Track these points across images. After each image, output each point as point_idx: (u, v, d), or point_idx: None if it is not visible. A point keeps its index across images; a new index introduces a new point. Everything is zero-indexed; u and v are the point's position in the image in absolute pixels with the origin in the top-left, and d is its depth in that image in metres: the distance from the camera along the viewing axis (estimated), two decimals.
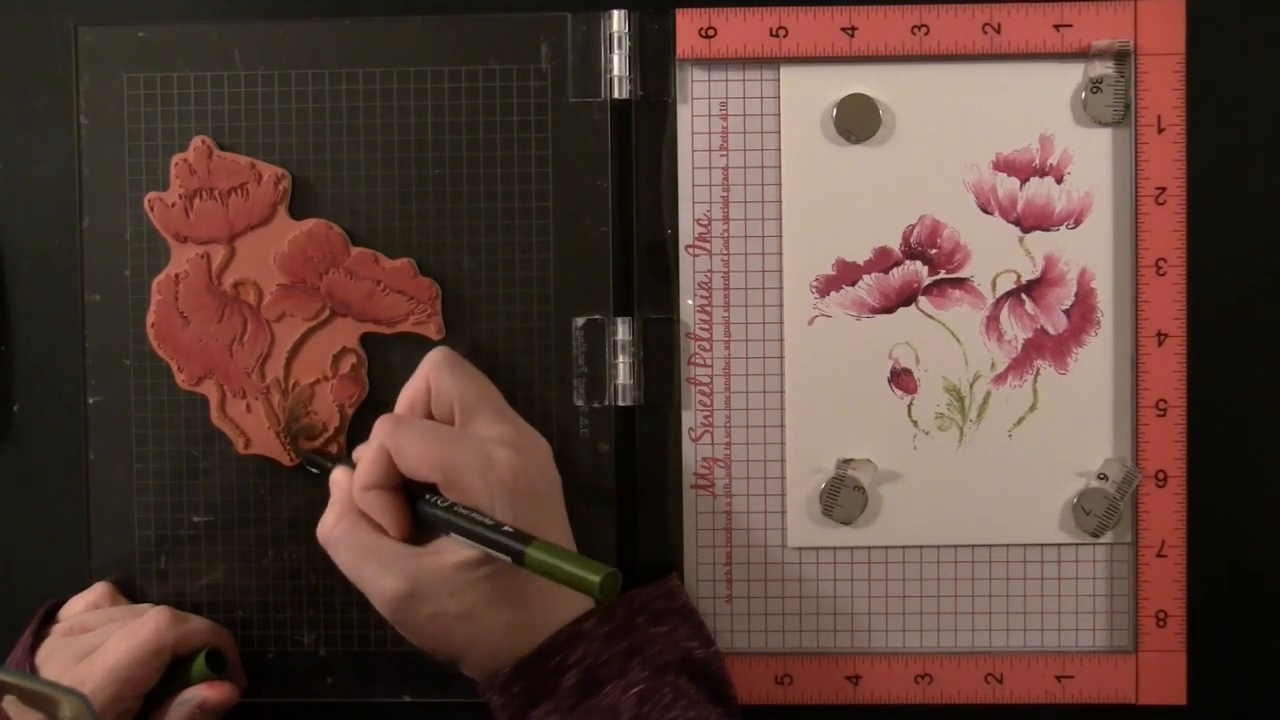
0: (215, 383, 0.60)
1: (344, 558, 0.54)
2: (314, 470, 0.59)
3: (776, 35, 0.59)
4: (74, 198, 0.60)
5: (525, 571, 0.51)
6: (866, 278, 0.60)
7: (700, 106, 0.60)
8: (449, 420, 0.56)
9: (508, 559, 0.51)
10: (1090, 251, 0.60)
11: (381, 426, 0.54)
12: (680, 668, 0.55)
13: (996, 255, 0.60)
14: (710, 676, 0.57)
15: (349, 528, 0.54)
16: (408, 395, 0.57)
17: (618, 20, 0.59)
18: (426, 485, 0.54)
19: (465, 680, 0.55)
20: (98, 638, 0.56)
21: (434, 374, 0.56)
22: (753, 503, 0.61)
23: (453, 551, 0.53)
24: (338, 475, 0.56)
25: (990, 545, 0.60)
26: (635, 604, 0.56)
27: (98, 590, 0.59)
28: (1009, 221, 0.60)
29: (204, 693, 0.56)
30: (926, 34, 0.59)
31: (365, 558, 0.53)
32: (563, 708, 0.52)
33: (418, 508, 0.54)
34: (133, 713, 0.55)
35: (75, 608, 0.59)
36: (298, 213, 0.60)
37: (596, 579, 0.49)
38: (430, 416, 0.56)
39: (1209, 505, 0.60)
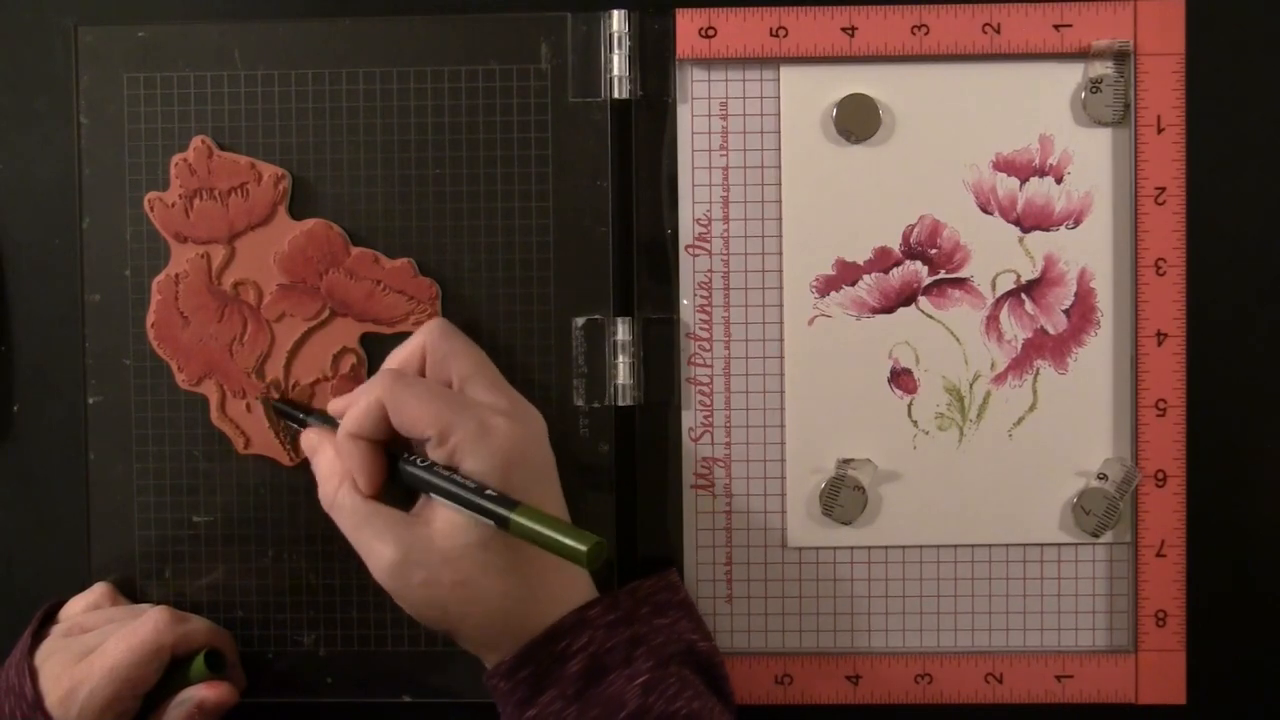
0: (215, 383, 0.60)
1: (344, 523, 0.54)
2: (282, 418, 0.59)
3: (776, 35, 0.59)
4: (74, 197, 0.60)
5: (521, 542, 0.51)
6: (866, 277, 0.60)
7: (700, 106, 0.60)
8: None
9: (491, 523, 0.51)
10: (1090, 251, 0.60)
11: (382, 380, 0.54)
12: (684, 659, 0.55)
13: (996, 255, 0.60)
14: (711, 671, 0.57)
15: (350, 493, 0.54)
16: (400, 357, 0.57)
17: (618, 20, 0.59)
18: (407, 446, 0.54)
19: (464, 681, 0.55)
20: (97, 638, 0.56)
21: (431, 341, 0.56)
22: (752, 503, 0.61)
23: (445, 518, 0.53)
24: (313, 438, 0.56)
25: (990, 545, 0.61)
26: (638, 595, 0.56)
27: (97, 590, 0.59)
28: (1009, 221, 0.60)
29: (202, 693, 0.56)
30: (926, 34, 0.59)
31: (362, 523, 0.53)
32: (567, 695, 0.52)
33: (400, 468, 0.54)
34: (131, 713, 0.55)
35: (75, 608, 0.59)
36: (298, 213, 0.60)
37: (584, 547, 0.49)
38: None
39: (1208, 505, 0.60)
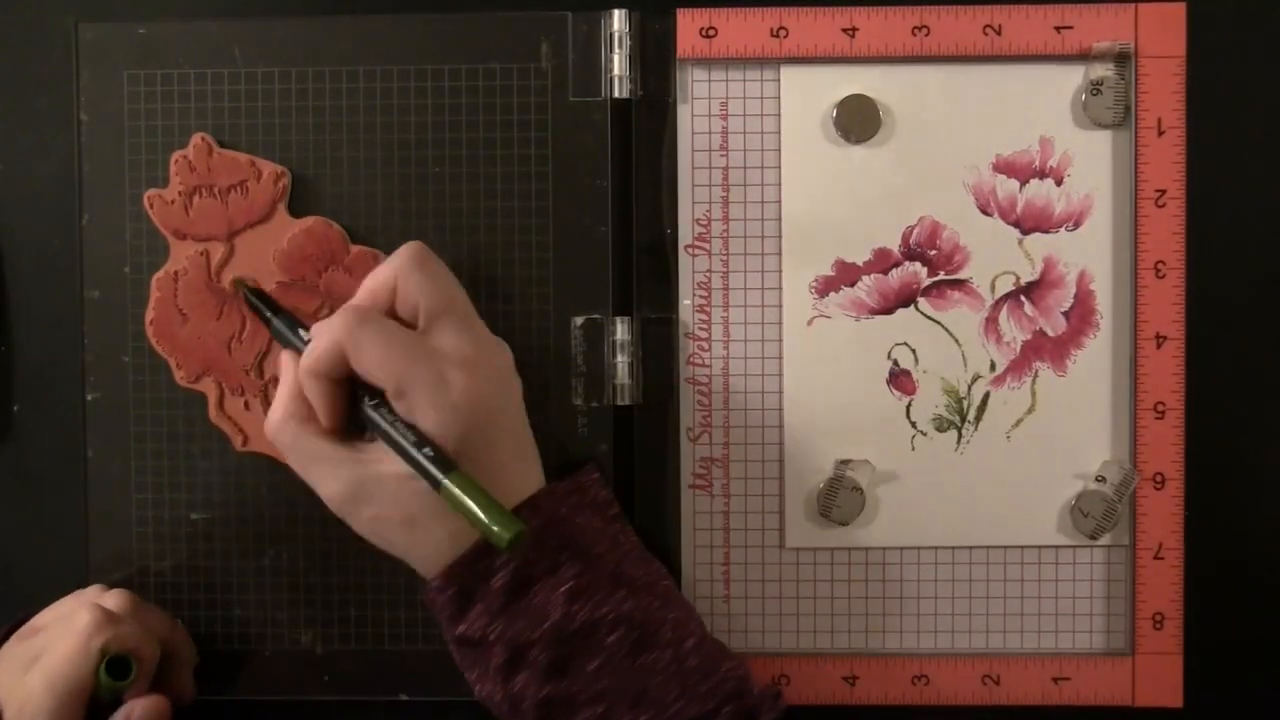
0: (214, 380, 0.60)
1: (291, 458, 0.54)
2: (253, 310, 0.59)
3: (777, 35, 0.59)
4: (74, 195, 0.60)
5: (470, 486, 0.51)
6: (866, 278, 0.60)
7: (700, 106, 0.60)
8: (411, 321, 0.54)
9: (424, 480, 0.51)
10: (1089, 253, 0.60)
11: (344, 321, 0.53)
12: (615, 558, 0.55)
13: (996, 257, 0.60)
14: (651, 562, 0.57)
15: (295, 429, 0.54)
16: (371, 286, 0.55)
17: (618, 20, 0.59)
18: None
19: (461, 680, 0.55)
20: (42, 641, 0.55)
21: (404, 272, 0.54)
22: (750, 503, 0.61)
23: (394, 460, 0.52)
24: (286, 360, 0.56)
25: (988, 547, 0.61)
26: (557, 495, 0.55)
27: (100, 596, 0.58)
28: (1009, 223, 0.60)
29: (136, 708, 0.55)
30: (927, 35, 0.59)
31: (311, 460, 0.54)
32: (492, 609, 0.52)
33: (360, 407, 0.54)
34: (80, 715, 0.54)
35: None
36: (297, 210, 0.60)
37: (506, 536, 0.49)
38: (393, 313, 0.55)
39: (1206, 507, 0.60)
